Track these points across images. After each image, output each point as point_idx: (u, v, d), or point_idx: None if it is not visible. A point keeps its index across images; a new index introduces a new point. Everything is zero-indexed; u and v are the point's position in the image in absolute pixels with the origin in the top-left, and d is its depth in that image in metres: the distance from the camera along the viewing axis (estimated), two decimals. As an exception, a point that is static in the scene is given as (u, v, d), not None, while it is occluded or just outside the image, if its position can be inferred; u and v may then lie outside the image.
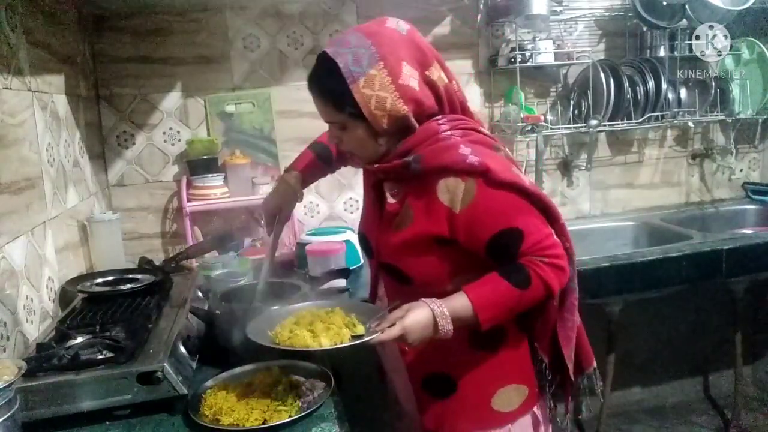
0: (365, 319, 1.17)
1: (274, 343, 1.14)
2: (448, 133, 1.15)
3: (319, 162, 1.49)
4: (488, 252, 1.15)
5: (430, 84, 1.15)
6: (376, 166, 1.20)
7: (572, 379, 1.28)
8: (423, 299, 1.13)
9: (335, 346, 1.10)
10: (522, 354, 1.28)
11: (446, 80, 1.18)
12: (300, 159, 1.50)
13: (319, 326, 1.15)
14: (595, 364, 1.35)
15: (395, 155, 1.17)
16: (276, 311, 1.29)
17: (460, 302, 1.12)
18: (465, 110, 1.22)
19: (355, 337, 1.13)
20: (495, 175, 1.11)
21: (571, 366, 1.27)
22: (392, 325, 1.09)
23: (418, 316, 1.10)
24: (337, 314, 1.21)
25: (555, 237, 1.16)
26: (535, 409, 1.30)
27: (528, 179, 1.17)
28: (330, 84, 1.12)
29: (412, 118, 1.14)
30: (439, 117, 1.17)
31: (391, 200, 1.22)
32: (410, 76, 1.12)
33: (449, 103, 1.19)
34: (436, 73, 1.15)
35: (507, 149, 1.25)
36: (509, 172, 1.13)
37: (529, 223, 1.13)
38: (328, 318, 1.19)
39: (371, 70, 1.10)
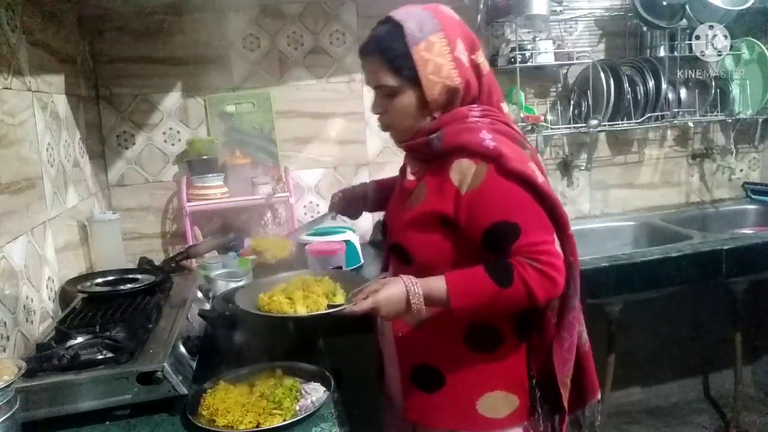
0: (351, 289, 1.20)
1: (255, 309, 1.19)
2: (476, 119, 1.18)
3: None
4: (483, 242, 1.15)
5: (475, 67, 1.20)
6: (403, 144, 1.25)
7: (565, 406, 1.23)
8: (400, 275, 1.14)
9: (310, 314, 1.15)
10: (517, 363, 1.25)
11: (488, 69, 1.22)
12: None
13: (297, 294, 1.18)
14: (599, 397, 1.32)
15: (423, 133, 1.20)
16: (268, 279, 1.32)
17: (436, 284, 1.12)
18: (499, 107, 1.25)
19: (330, 307, 1.16)
20: (507, 163, 1.11)
21: (564, 391, 1.23)
22: (366, 298, 1.12)
23: (390, 292, 1.11)
24: (324, 283, 1.25)
25: (556, 247, 1.13)
26: (527, 423, 1.27)
27: (543, 179, 1.15)
28: (392, 45, 1.15)
29: (461, 95, 1.18)
30: (474, 105, 1.20)
31: (410, 177, 1.26)
32: (462, 53, 1.17)
33: (487, 94, 1.22)
34: (481, 59, 1.21)
35: (536, 153, 1.26)
36: (524, 165, 1.13)
37: (529, 222, 1.11)
38: (313, 286, 1.22)
39: (432, 36, 1.14)
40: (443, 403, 1.25)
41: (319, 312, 1.15)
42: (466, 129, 1.16)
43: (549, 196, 1.14)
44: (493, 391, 1.24)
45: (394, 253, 1.30)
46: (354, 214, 1.53)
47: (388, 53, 1.16)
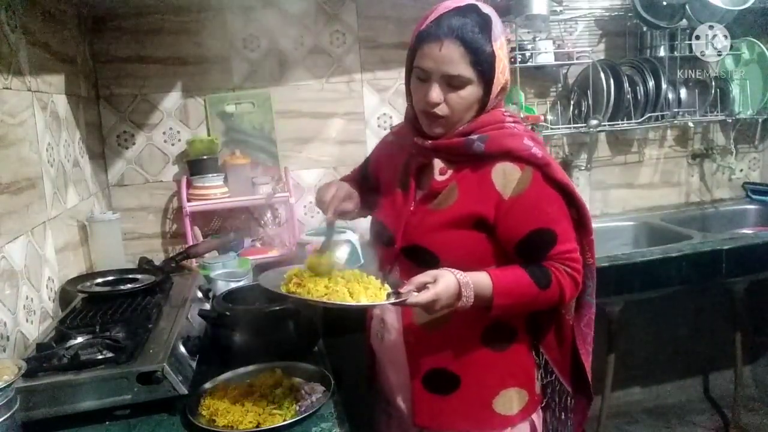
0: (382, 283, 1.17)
1: (308, 298, 1.10)
2: (512, 124, 1.20)
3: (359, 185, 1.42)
4: (518, 248, 1.17)
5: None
6: (429, 142, 1.20)
7: (592, 393, 1.31)
8: (446, 268, 1.12)
9: (372, 304, 1.10)
10: (526, 358, 1.29)
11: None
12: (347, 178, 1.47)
13: (356, 287, 1.12)
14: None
15: (457, 133, 1.18)
16: (284, 269, 1.24)
17: (481, 278, 1.13)
18: None
19: (389, 296, 1.11)
20: (553, 172, 1.16)
21: (590, 381, 1.31)
22: (420, 289, 1.08)
23: (447, 284, 1.09)
24: (359, 275, 1.17)
25: (578, 253, 1.20)
26: (534, 416, 1.29)
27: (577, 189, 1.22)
28: (477, 36, 1.11)
29: (502, 97, 1.20)
30: (503, 110, 1.22)
31: (439, 177, 1.21)
32: None
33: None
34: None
35: None
36: (564, 175, 1.19)
37: (565, 231, 1.18)
38: (359, 278, 1.16)
39: (502, 37, 1.15)
40: (458, 406, 1.25)
41: (382, 303, 1.11)
42: (509, 135, 1.17)
43: (582, 205, 1.21)
44: (507, 389, 1.25)
45: (407, 257, 1.24)
46: (352, 212, 1.35)
47: (473, 44, 1.10)
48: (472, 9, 1.13)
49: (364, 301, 1.09)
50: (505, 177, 1.15)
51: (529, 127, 2.32)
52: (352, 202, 1.33)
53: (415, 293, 1.08)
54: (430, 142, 1.20)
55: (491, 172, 1.16)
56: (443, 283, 1.08)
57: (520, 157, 1.15)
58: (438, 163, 1.21)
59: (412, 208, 1.24)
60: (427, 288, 1.08)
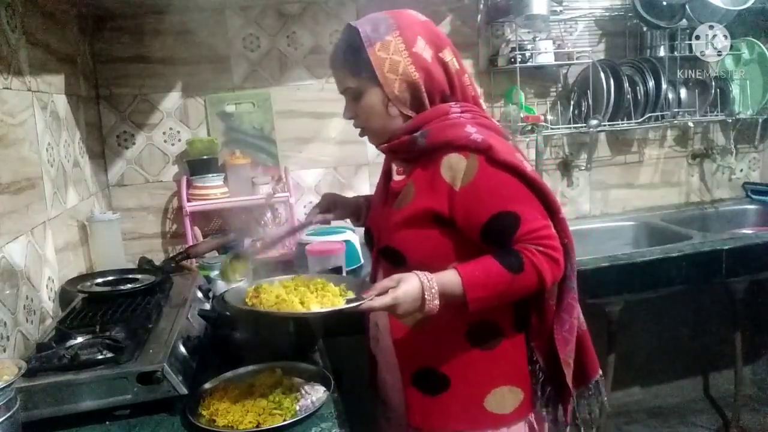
0: (354, 290, 1.19)
1: (256, 308, 1.14)
2: (458, 114, 1.19)
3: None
4: (483, 236, 1.15)
5: (442, 63, 1.20)
6: (383, 146, 1.24)
7: (569, 384, 1.26)
8: (414, 271, 1.11)
9: (323, 310, 1.10)
10: (518, 354, 1.27)
11: (458, 67, 1.22)
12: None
13: (309, 296, 1.14)
14: (600, 373, 1.34)
15: (404, 131, 1.20)
16: (259, 282, 1.27)
17: (449, 278, 1.11)
18: (477, 104, 1.27)
19: (348, 302, 1.13)
20: (497, 155, 1.13)
21: (568, 371, 1.25)
22: (382, 294, 1.09)
23: (408, 287, 1.08)
24: (323, 284, 1.21)
25: (552, 229, 1.16)
26: (531, 416, 1.28)
27: (531, 168, 1.18)
28: (349, 50, 1.19)
29: (424, 90, 1.18)
30: (453, 102, 1.21)
31: (396, 178, 1.27)
32: (423, 49, 1.18)
33: (461, 91, 1.23)
34: (448, 57, 1.21)
35: (516, 144, 1.28)
36: (512, 156, 1.15)
37: (526, 210, 1.14)
38: (321, 287, 1.19)
39: (387, 36, 1.17)
40: (449, 405, 1.24)
41: (334, 309, 1.11)
42: (450, 125, 1.17)
43: (538, 183, 1.17)
44: (498, 387, 1.24)
45: (383, 257, 1.27)
46: (343, 216, 1.47)
47: (347, 56, 1.20)
48: (344, 29, 1.23)
49: (315, 309, 1.11)
50: (452, 168, 1.15)
51: (528, 127, 2.36)
52: (347, 209, 1.46)
53: (373, 297, 1.08)
54: (384, 145, 1.25)
55: (440, 167, 1.16)
56: (404, 287, 1.08)
57: (461, 145, 1.15)
58: (395, 165, 1.28)
59: (382, 211, 1.30)
60: (388, 292, 1.08)
